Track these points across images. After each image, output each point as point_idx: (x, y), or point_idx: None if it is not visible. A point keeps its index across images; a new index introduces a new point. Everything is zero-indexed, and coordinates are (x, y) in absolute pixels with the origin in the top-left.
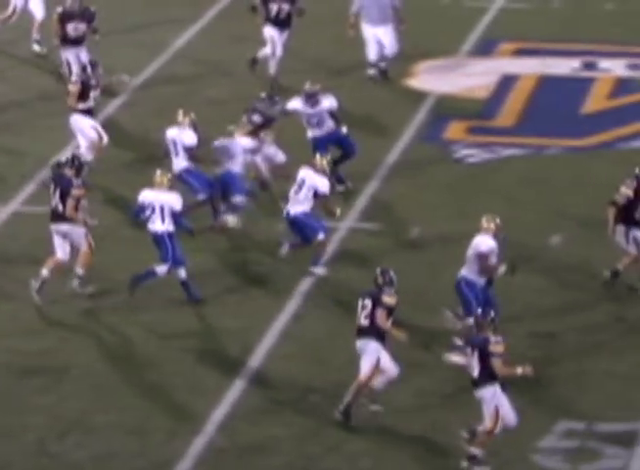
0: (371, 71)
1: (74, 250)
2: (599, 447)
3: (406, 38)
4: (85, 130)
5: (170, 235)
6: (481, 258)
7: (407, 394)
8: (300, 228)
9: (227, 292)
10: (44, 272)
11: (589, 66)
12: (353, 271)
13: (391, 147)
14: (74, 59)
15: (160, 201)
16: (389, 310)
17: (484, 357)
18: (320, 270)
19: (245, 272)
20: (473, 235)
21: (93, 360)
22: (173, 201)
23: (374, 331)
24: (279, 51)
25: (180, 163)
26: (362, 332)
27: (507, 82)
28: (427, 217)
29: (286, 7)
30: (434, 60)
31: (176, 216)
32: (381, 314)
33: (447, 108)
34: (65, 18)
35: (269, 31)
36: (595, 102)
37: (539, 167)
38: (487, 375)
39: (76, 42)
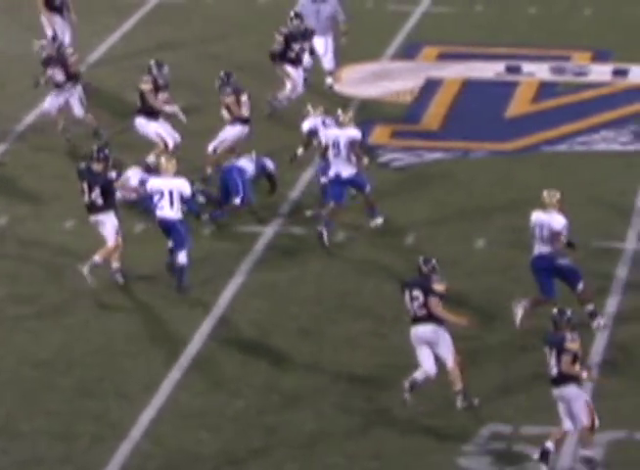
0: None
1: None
2: (525, 450)
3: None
4: (150, 136)
5: (181, 221)
6: (557, 235)
7: (334, 398)
8: (354, 185)
9: (154, 297)
10: (97, 258)
11: (513, 70)
12: (279, 274)
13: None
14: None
15: (169, 186)
16: (441, 298)
17: (560, 355)
18: (380, 220)
19: (170, 278)
20: (399, 238)
21: (18, 365)
22: (182, 186)
23: (433, 318)
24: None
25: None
26: (421, 320)
27: (431, 86)
28: (353, 221)
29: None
30: (358, 64)
31: (187, 201)
32: (435, 303)
33: (372, 112)
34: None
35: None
36: (519, 106)
37: (464, 171)
38: (565, 375)
39: None
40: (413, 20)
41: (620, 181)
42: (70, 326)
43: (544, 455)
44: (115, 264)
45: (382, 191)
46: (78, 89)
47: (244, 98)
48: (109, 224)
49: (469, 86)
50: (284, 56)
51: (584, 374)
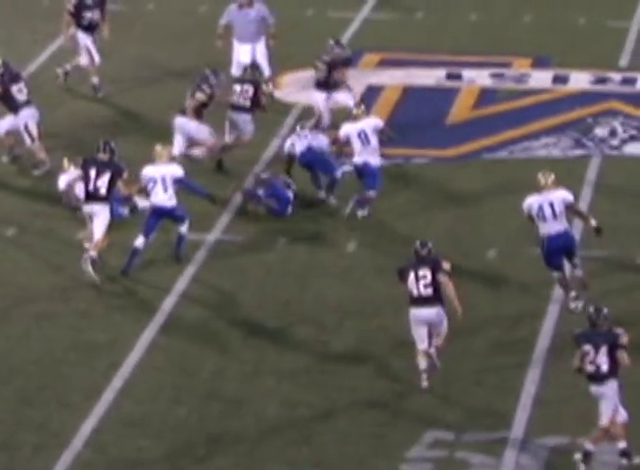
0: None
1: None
2: (467, 457)
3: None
4: (200, 135)
5: (176, 207)
6: (571, 207)
7: (276, 405)
8: (376, 176)
9: (95, 305)
10: (92, 253)
11: (453, 76)
12: (220, 283)
13: (258, 159)
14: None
15: (162, 172)
16: (449, 276)
17: (614, 352)
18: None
19: (113, 285)
20: (340, 244)
21: None
22: (174, 169)
23: (439, 298)
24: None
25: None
26: (426, 301)
27: (372, 93)
28: (292, 229)
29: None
30: (299, 71)
31: (183, 183)
32: (446, 280)
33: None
34: None
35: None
36: (460, 112)
37: (405, 178)
38: (614, 370)
39: None
40: (354, 26)
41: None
42: (11, 334)
43: (587, 457)
44: (93, 253)
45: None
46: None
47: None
48: (102, 216)
49: (410, 93)
50: (327, 84)
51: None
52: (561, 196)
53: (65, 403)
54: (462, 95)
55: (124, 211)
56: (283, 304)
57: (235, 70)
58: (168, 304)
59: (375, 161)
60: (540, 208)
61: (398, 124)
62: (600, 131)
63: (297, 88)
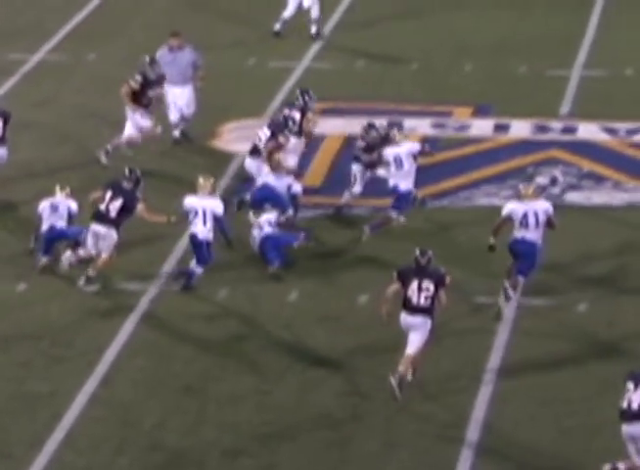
0: (175, 133)
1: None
2: None
3: (212, 99)
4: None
5: (209, 243)
6: (550, 219)
7: (218, 456)
8: (401, 200)
9: (37, 355)
10: (81, 252)
11: (395, 125)
12: (161, 334)
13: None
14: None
15: (203, 205)
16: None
17: None
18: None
19: (53, 336)
20: (282, 292)
21: None
22: (215, 205)
23: (432, 311)
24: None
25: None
26: (420, 311)
27: (313, 142)
28: (234, 279)
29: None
30: (241, 121)
31: (219, 221)
32: (445, 297)
33: None
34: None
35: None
36: None
37: (347, 226)
38: None
39: None
40: (295, 76)
41: (503, 235)
42: None
43: None
44: (92, 272)
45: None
46: None
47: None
48: (109, 240)
49: (351, 142)
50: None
51: None
52: (544, 207)
53: (6, 455)
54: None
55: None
56: (224, 353)
57: (172, 114)
58: (109, 355)
59: (404, 185)
60: (525, 215)
61: (340, 174)
62: (541, 180)
63: (239, 137)
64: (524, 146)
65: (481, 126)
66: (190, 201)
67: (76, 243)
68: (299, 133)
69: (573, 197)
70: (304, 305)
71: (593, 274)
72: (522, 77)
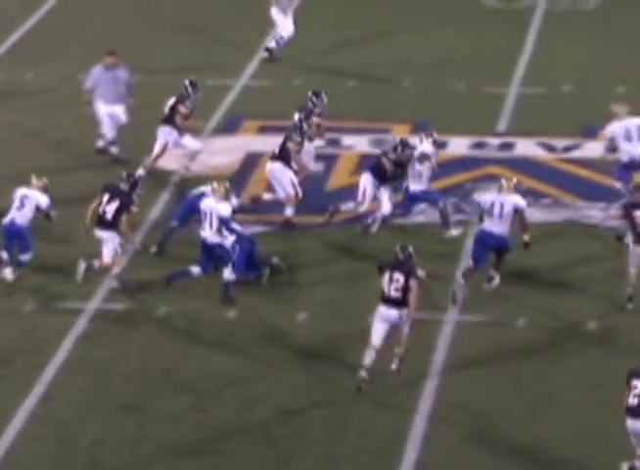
0: (113, 150)
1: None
2: None
3: (151, 118)
4: (283, 182)
5: (221, 245)
6: (519, 213)
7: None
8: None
9: None
10: (95, 264)
11: (332, 142)
12: (100, 352)
13: (140, 223)
14: None
15: (210, 207)
16: (419, 283)
17: None
18: (455, 231)
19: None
20: (220, 311)
21: None
22: (221, 208)
23: (405, 303)
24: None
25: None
26: (392, 303)
27: (251, 160)
28: (173, 297)
29: None
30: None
31: (224, 223)
32: (415, 287)
33: (193, 187)
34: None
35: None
36: (339, 178)
37: (285, 244)
38: None
39: None
40: (233, 94)
41: (440, 253)
42: None
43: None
44: (116, 270)
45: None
46: None
47: None
48: (110, 244)
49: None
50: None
51: None
52: (513, 200)
53: None
54: (341, 161)
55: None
56: (164, 371)
57: (107, 131)
58: (49, 373)
59: (414, 186)
60: (492, 204)
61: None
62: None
63: (176, 156)
64: (461, 163)
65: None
66: (205, 203)
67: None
68: (309, 136)
69: None
70: (244, 322)
71: (533, 290)
72: (460, 94)
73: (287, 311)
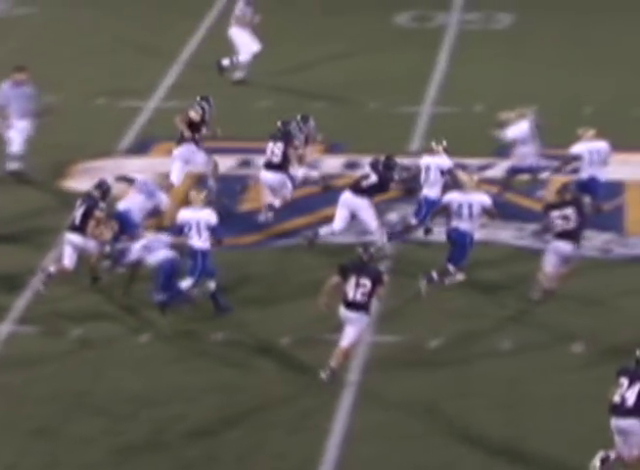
0: (17, 166)
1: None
2: None
3: (62, 139)
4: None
5: (204, 253)
6: (487, 210)
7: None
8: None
9: None
10: (51, 268)
11: (245, 163)
12: (14, 373)
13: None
14: None
15: (197, 218)
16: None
17: None
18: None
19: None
20: (133, 334)
21: None
22: (208, 216)
23: (368, 307)
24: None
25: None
26: (356, 306)
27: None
28: (86, 319)
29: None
30: (90, 160)
31: (214, 230)
32: (381, 294)
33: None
34: None
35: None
36: (252, 200)
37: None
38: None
39: None
40: (145, 115)
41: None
42: None
43: (604, 461)
44: (52, 269)
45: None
46: None
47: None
48: (71, 248)
49: (203, 181)
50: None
51: None
52: (480, 200)
53: None
54: (254, 183)
55: None
56: (77, 395)
57: (14, 147)
58: None
59: (427, 192)
60: (460, 206)
61: None
62: (393, 216)
63: (88, 177)
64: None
65: (332, 164)
66: (184, 215)
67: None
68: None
69: (420, 234)
70: (157, 346)
71: (447, 310)
72: (372, 114)
73: (202, 332)
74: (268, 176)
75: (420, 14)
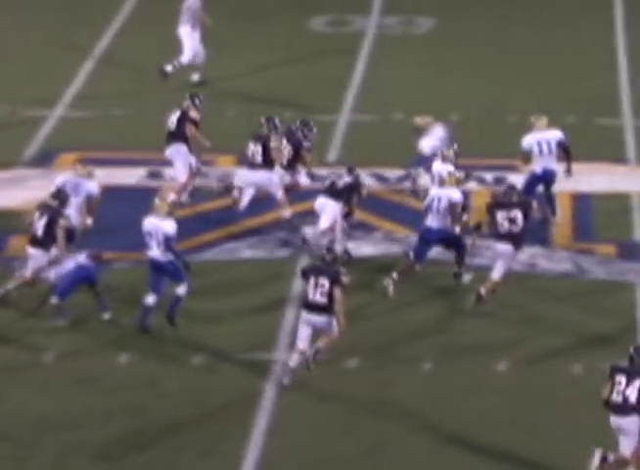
0: None
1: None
2: None
3: None
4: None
5: (170, 262)
6: (454, 207)
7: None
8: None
9: None
10: (9, 285)
11: (155, 175)
12: None
13: None
14: None
15: (156, 227)
16: (343, 289)
17: None
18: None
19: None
20: (37, 353)
21: None
22: (167, 227)
23: (331, 308)
24: None
25: None
26: (318, 309)
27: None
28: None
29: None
30: None
31: (169, 242)
32: (339, 294)
33: (6, 222)
34: None
35: None
36: None
37: (109, 280)
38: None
39: None
40: (49, 125)
41: (271, 289)
42: None
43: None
44: (10, 286)
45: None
46: None
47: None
48: (35, 260)
49: (110, 193)
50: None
51: None
52: (448, 194)
53: None
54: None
55: None
56: None
57: None
58: None
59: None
60: (432, 199)
61: (98, 227)
62: (308, 230)
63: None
64: (289, 195)
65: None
66: (147, 223)
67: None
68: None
69: (340, 247)
70: (62, 366)
71: (366, 328)
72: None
73: (107, 353)
74: (253, 176)
75: (336, 18)
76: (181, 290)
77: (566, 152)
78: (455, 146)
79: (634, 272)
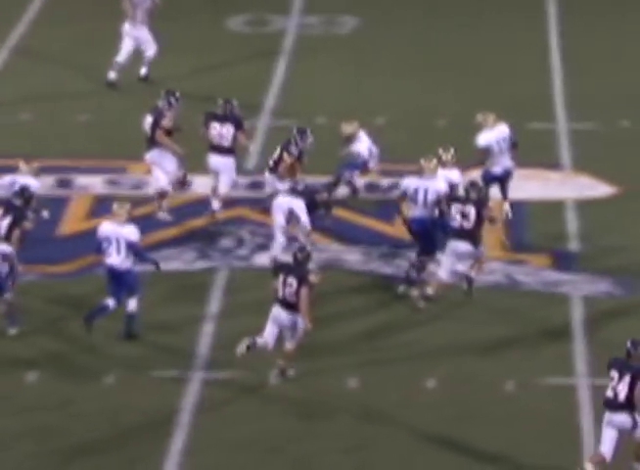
0: None
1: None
2: None
3: None
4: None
5: (129, 270)
6: (442, 205)
7: None
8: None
9: None
10: None
11: (64, 183)
12: None
13: None
14: None
15: (117, 233)
16: (311, 288)
17: (635, 386)
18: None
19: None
20: None
21: None
22: (128, 232)
23: (297, 307)
24: None
25: None
26: (288, 306)
27: None
28: None
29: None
30: None
31: (135, 248)
32: (305, 293)
33: None
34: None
35: None
36: (72, 223)
37: (33, 294)
38: (632, 403)
39: None
40: None
41: (189, 304)
42: None
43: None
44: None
45: None
46: None
47: None
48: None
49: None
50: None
51: None
52: (435, 187)
53: None
54: (74, 204)
55: None
56: None
57: None
58: None
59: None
60: (416, 191)
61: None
62: (226, 241)
63: None
64: (206, 204)
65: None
66: (105, 229)
67: None
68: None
69: (263, 258)
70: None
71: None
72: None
73: (14, 370)
74: (216, 160)
75: (255, 17)
76: (132, 305)
77: (515, 147)
78: (452, 149)
79: (570, 284)
